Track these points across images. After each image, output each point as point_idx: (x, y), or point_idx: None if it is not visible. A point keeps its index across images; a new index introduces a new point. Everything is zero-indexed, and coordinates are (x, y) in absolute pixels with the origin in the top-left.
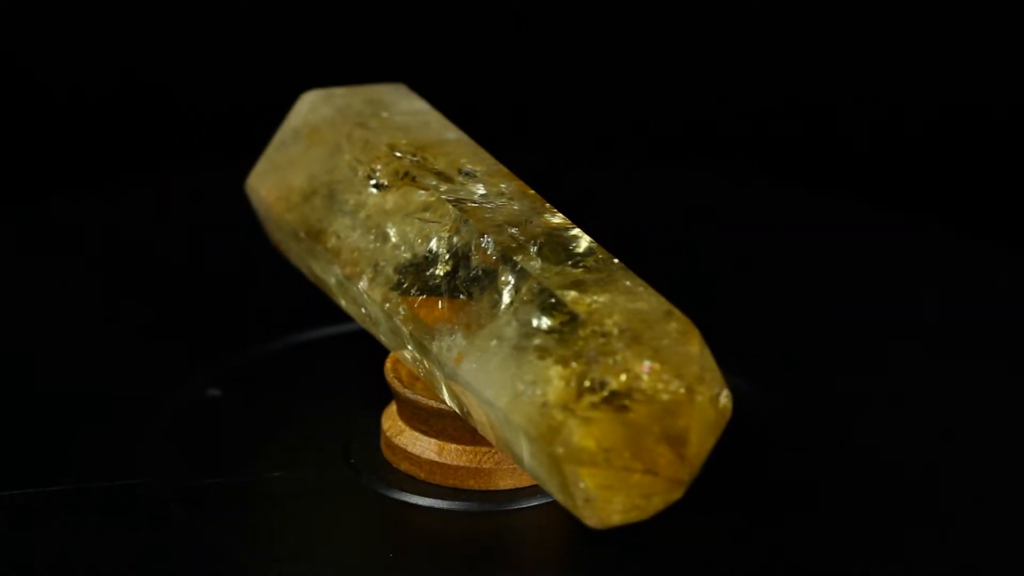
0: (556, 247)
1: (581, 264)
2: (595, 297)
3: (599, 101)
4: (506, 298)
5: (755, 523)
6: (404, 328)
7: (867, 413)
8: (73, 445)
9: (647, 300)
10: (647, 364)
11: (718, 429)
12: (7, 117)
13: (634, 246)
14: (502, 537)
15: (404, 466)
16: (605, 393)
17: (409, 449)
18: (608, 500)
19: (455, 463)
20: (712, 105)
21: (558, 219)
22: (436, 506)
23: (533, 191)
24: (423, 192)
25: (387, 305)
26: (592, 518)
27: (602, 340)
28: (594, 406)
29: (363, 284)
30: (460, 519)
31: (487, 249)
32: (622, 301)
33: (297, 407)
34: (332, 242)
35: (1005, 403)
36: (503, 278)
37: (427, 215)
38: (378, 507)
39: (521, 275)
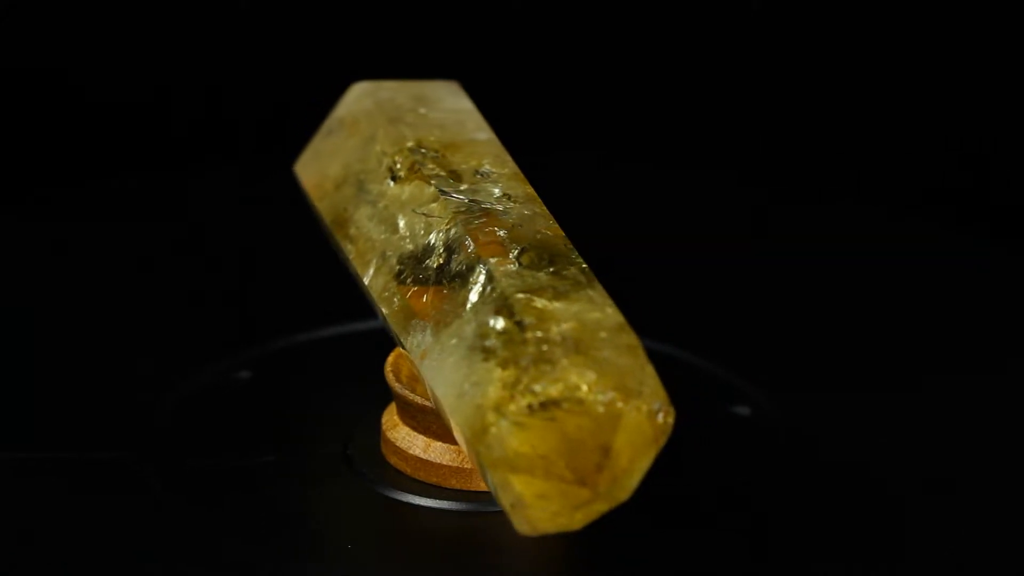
0: (539, 254)
1: (556, 273)
2: (551, 304)
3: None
4: (473, 297)
5: (747, 528)
6: (390, 322)
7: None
8: (83, 416)
9: (603, 312)
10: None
11: (655, 446)
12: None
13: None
14: (480, 536)
15: (393, 460)
16: (539, 400)
17: (398, 444)
18: (536, 507)
19: (439, 461)
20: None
21: (553, 231)
22: (415, 502)
23: (540, 200)
24: (431, 188)
25: (385, 294)
26: (521, 524)
27: (544, 347)
28: (528, 412)
29: (367, 278)
30: (441, 516)
31: (468, 247)
32: (576, 311)
33: (313, 398)
34: (352, 231)
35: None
36: (473, 278)
37: (431, 207)
38: (362, 497)
39: (489, 277)
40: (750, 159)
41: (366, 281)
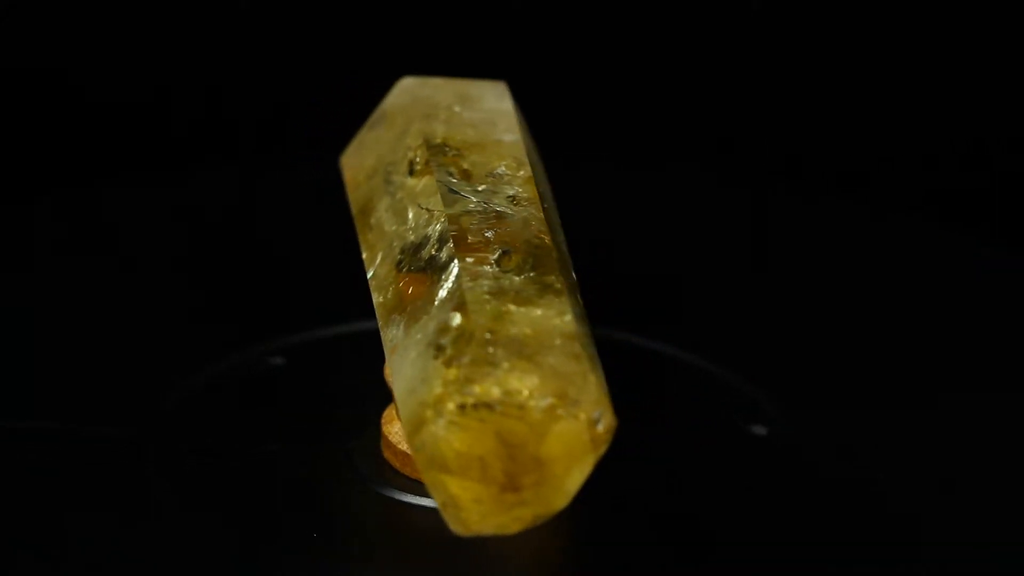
0: (524, 259)
1: (532, 279)
2: (512, 308)
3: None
4: (442, 294)
5: (746, 535)
6: (377, 314)
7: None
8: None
9: (561, 320)
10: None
11: (594, 454)
12: (78, 102)
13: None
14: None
15: (387, 454)
16: (474, 400)
17: (390, 438)
18: (466, 508)
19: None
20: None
21: (548, 236)
22: (408, 500)
23: (546, 206)
24: (439, 183)
25: (383, 283)
26: (454, 523)
27: (491, 350)
28: (461, 412)
29: (373, 267)
30: (432, 515)
31: (449, 245)
32: (537, 316)
33: (330, 390)
34: (372, 220)
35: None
36: (445, 275)
37: (432, 201)
38: (352, 489)
39: (458, 275)
40: (751, 158)
41: (371, 272)
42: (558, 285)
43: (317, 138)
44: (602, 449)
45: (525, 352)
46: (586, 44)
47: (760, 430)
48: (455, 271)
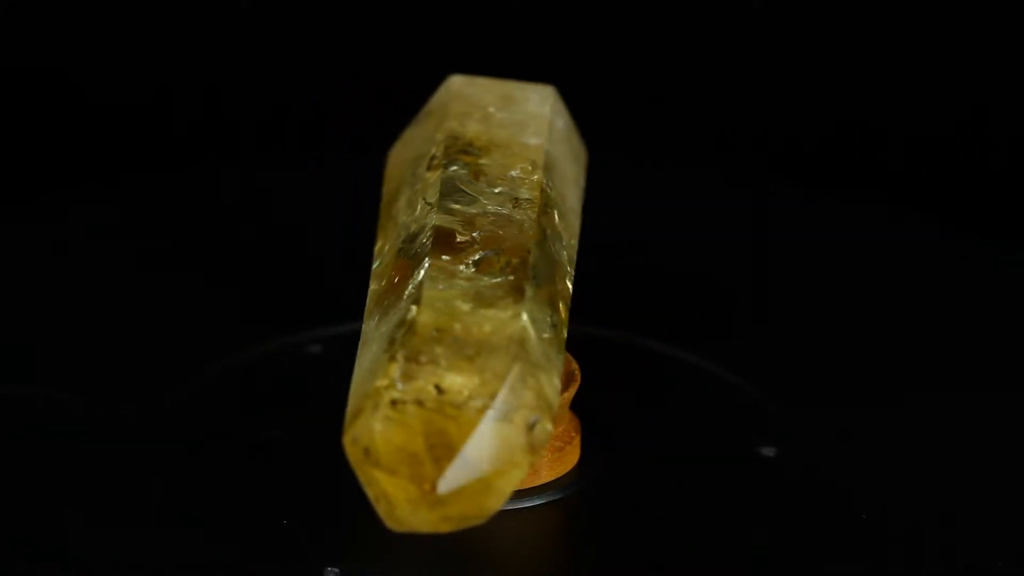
0: (507, 261)
1: (503, 283)
2: (471, 309)
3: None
4: (410, 289)
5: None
6: (367, 304)
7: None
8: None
9: (515, 325)
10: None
11: (527, 460)
12: (78, 102)
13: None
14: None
15: None
16: (407, 397)
17: None
18: (395, 503)
19: None
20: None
21: (532, 242)
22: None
23: (556, 212)
24: (447, 180)
25: (383, 270)
26: (386, 518)
27: (437, 348)
28: (395, 407)
29: (376, 261)
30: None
31: (427, 243)
32: (494, 318)
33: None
34: (393, 210)
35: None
36: (417, 271)
37: (433, 197)
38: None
39: (426, 271)
40: (751, 159)
41: (376, 262)
42: (529, 291)
43: (316, 138)
44: (537, 454)
45: (468, 353)
46: (585, 44)
47: (769, 451)
48: (425, 266)
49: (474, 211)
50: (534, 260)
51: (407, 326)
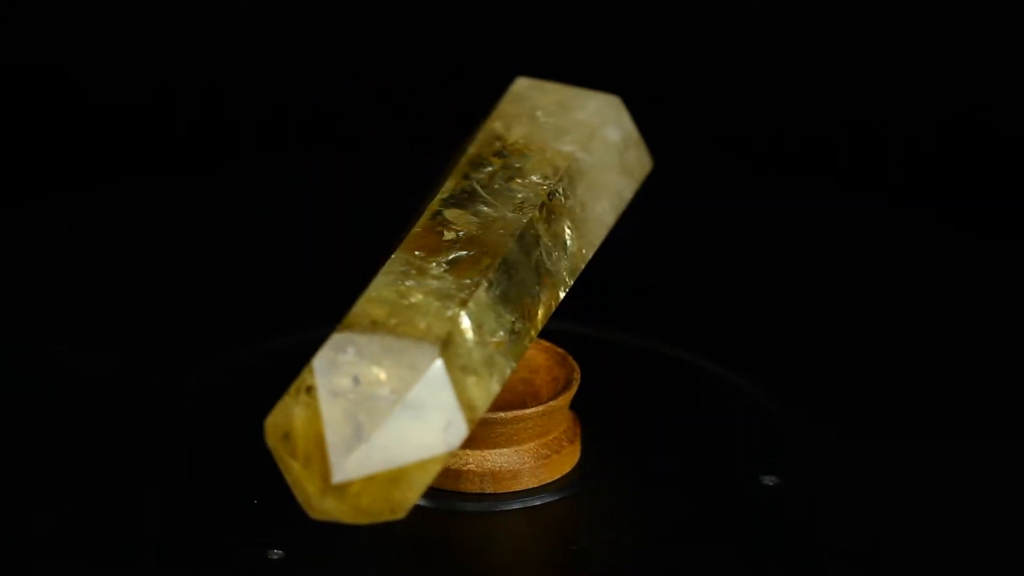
0: (478, 261)
1: (461, 284)
2: (409, 301)
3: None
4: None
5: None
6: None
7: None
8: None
9: (446, 325)
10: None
11: (438, 457)
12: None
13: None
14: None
15: None
16: (324, 385)
17: None
18: (301, 489)
19: None
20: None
21: (509, 247)
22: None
23: (551, 219)
24: (468, 178)
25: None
26: (304, 505)
27: (363, 338)
28: (309, 393)
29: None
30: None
31: (405, 232)
32: (429, 314)
33: None
34: (430, 197)
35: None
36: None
37: (447, 191)
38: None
39: (388, 263)
40: (752, 158)
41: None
42: (484, 294)
43: (316, 138)
44: (448, 451)
45: (394, 348)
46: (585, 44)
47: (770, 480)
48: (391, 259)
49: (470, 211)
50: (506, 265)
51: (351, 316)
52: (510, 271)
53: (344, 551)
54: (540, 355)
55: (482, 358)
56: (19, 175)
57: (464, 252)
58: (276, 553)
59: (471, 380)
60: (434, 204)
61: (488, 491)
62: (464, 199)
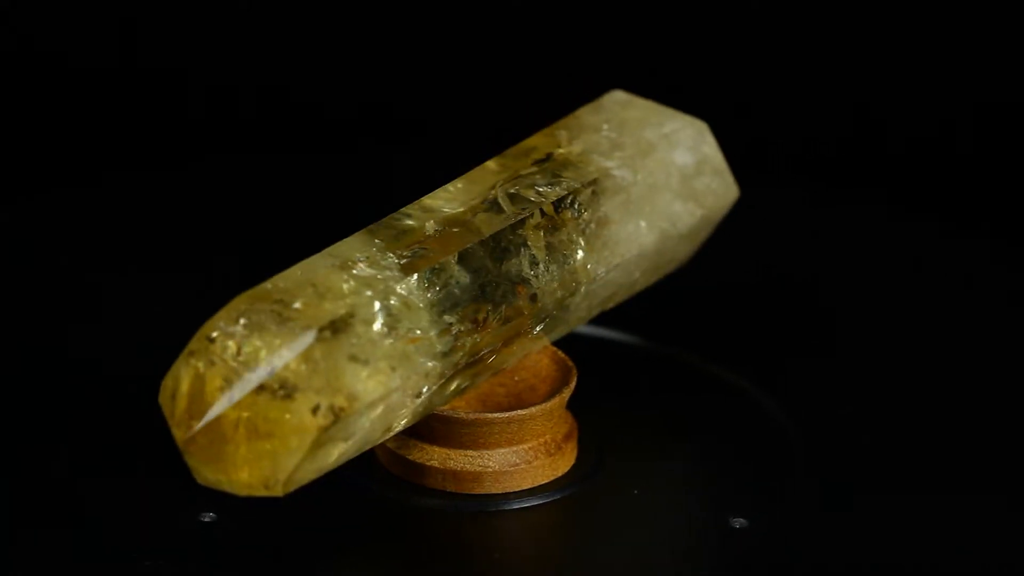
0: (427, 259)
1: (404, 272)
2: (329, 286)
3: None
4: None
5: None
6: None
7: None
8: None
9: (340, 310)
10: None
11: (305, 439)
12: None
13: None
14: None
15: (376, 449)
16: (205, 349)
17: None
18: (192, 456)
19: (389, 445)
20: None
21: (476, 248)
22: (384, 495)
23: (553, 231)
24: (499, 173)
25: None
26: (193, 471)
27: (262, 315)
28: (191, 355)
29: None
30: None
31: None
32: (335, 299)
33: None
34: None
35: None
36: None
37: (474, 182)
38: (352, 492)
39: (339, 246)
40: (752, 158)
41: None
42: (413, 292)
43: (316, 138)
44: (316, 435)
45: (288, 327)
46: (585, 44)
47: (738, 522)
48: (350, 238)
49: (460, 212)
50: (462, 265)
51: (265, 282)
52: (467, 273)
53: (345, 551)
54: (538, 355)
55: (388, 352)
56: (19, 175)
57: (425, 249)
58: (208, 515)
59: (356, 368)
60: (433, 200)
61: (486, 491)
62: (465, 198)
